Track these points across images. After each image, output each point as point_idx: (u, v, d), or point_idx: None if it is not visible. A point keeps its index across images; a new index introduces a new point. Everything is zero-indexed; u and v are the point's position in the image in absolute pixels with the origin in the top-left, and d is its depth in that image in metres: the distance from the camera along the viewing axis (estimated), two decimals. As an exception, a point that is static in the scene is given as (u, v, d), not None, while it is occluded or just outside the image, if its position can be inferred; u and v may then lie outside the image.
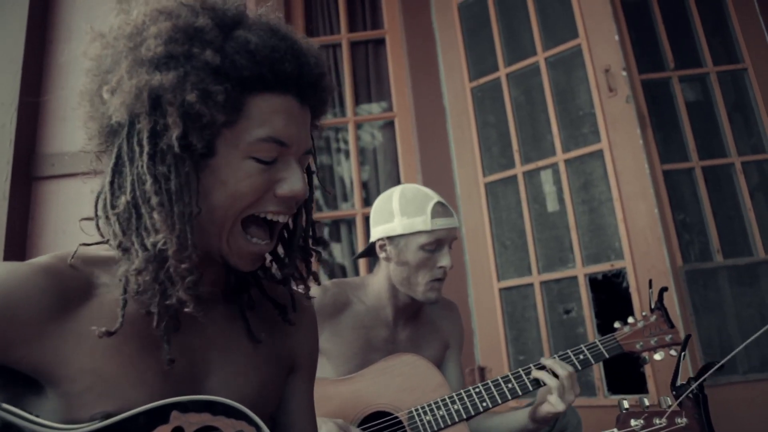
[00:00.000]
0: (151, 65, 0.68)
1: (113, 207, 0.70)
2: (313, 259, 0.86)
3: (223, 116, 0.68)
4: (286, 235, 0.84)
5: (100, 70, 0.72)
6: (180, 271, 0.67)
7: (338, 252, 3.78)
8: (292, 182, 0.74)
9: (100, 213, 0.74)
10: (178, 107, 0.66)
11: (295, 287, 0.87)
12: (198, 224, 0.71)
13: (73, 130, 2.65)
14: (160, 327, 0.69)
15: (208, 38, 0.69)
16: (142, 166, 0.68)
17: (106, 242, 0.75)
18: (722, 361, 0.79)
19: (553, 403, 1.33)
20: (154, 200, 0.67)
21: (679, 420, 0.79)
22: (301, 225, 0.84)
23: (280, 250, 0.85)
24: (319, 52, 0.78)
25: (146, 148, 0.68)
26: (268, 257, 0.84)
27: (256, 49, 0.70)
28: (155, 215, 0.67)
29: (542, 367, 1.40)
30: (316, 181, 0.88)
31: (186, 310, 0.68)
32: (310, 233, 0.85)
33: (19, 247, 2.49)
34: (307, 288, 0.87)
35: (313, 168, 0.87)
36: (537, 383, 1.39)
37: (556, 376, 1.35)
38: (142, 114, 0.68)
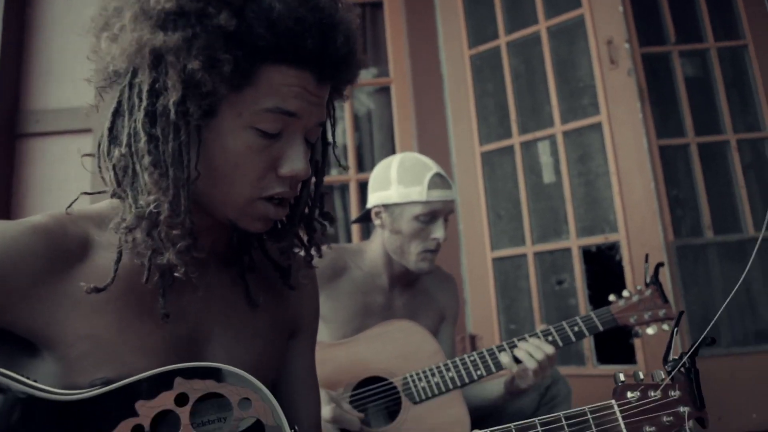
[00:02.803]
0: (158, 20, 0.63)
1: (109, 155, 0.68)
2: (317, 233, 0.83)
3: (226, 87, 0.64)
4: (292, 201, 0.81)
5: (106, 8, 0.68)
6: (171, 236, 0.65)
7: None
8: (294, 161, 0.70)
9: (100, 155, 0.71)
10: (179, 71, 0.62)
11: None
12: (199, 188, 0.69)
13: (58, 86, 2.58)
14: (150, 282, 0.67)
15: None
16: (138, 122, 0.65)
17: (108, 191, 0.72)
18: (705, 332, 0.80)
19: (521, 384, 1.41)
20: (147, 160, 0.65)
21: (672, 393, 0.81)
22: (308, 194, 0.81)
23: (284, 217, 0.82)
24: (353, 28, 0.72)
25: (144, 103, 0.64)
26: None
27: (278, 18, 0.64)
28: (147, 176, 0.65)
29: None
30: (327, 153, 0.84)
31: (176, 274, 0.67)
32: (318, 204, 0.82)
33: (4, 205, 2.44)
34: (310, 256, 0.84)
35: (329, 139, 0.83)
36: None
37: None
38: (143, 68, 0.64)
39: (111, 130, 0.69)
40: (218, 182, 0.69)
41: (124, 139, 0.66)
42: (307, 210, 0.82)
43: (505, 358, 1.39)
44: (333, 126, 0.82)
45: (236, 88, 0.65)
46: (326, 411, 1.21)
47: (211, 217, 0.73)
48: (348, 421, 1.24)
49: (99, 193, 0.77)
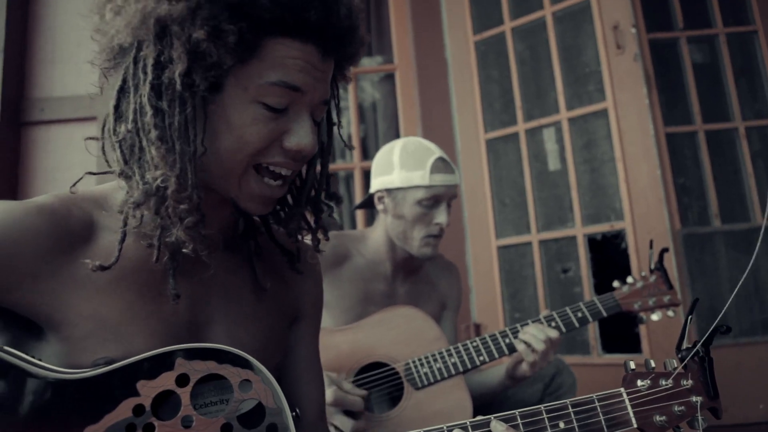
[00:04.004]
0: None
1: (115, 133, 0.68)
2: (323, 214, 0.82)
3: (232, 59, 0.64)
4: (297, 184, 0.81)
5: None
6: (179, 211, 0.65)
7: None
8: (300, 135, 0.70)
9: (105, 136, 0.71)
10: (184, 42, 0.62)
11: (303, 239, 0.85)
12: (204, 164, 0.68)
13: (63, 73, 2.57)
14: (160, 262, 0.67)
15: None
16: (144, 96, 0.65)
17: (113, 172, 0.72)
18: (718, 318, 0.78)
19: (525, 369, 1.38)
20: (154, 134, 0.65)
21: (684, 382, 0.78)
22: (314, 176, 0.81)
23: (290, 199, 0.81)
24: (354, 2, 0.72)
25: (150, 77, 0.64)
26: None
27: None
28: (154, 150, 0.65)
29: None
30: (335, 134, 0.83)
31: (184, 250, 0.67)
32: (324, 186, 0.82)
33: (10, 194, 2.45)
34: (317, 240, 0.83)
35: (335, 120, 0.82)
36: None
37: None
38: (148, 40, 0.64)
39: (116, 107, 0.69)
40: (223, 157, 0.69)
41: (130, 115, 0.66)
42: (313, 192, 0.81)
43: (518, 343, 1.38)
44: (338, 106, 0.81)
45: (241, 60, 0.65)
46: (327, 394, 1.21)
47: (216, 195, 0.73)
48: (350, 402, 1.23)
49: (104, 173, 0.76)
